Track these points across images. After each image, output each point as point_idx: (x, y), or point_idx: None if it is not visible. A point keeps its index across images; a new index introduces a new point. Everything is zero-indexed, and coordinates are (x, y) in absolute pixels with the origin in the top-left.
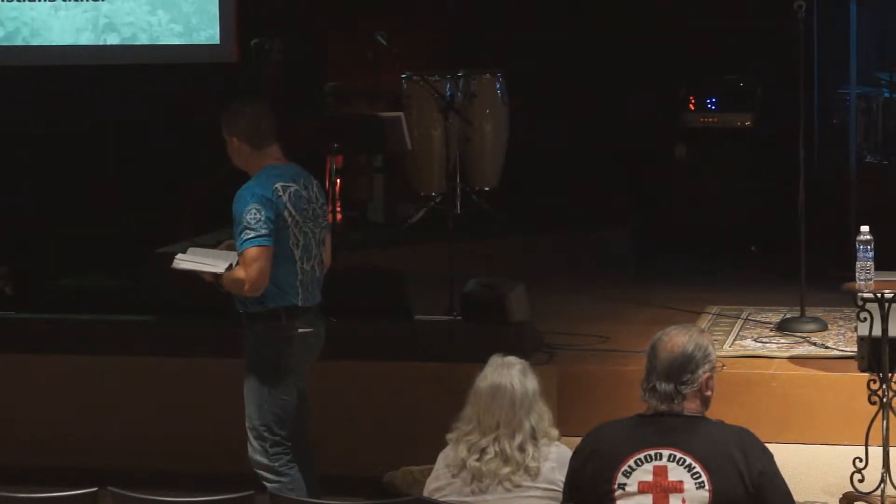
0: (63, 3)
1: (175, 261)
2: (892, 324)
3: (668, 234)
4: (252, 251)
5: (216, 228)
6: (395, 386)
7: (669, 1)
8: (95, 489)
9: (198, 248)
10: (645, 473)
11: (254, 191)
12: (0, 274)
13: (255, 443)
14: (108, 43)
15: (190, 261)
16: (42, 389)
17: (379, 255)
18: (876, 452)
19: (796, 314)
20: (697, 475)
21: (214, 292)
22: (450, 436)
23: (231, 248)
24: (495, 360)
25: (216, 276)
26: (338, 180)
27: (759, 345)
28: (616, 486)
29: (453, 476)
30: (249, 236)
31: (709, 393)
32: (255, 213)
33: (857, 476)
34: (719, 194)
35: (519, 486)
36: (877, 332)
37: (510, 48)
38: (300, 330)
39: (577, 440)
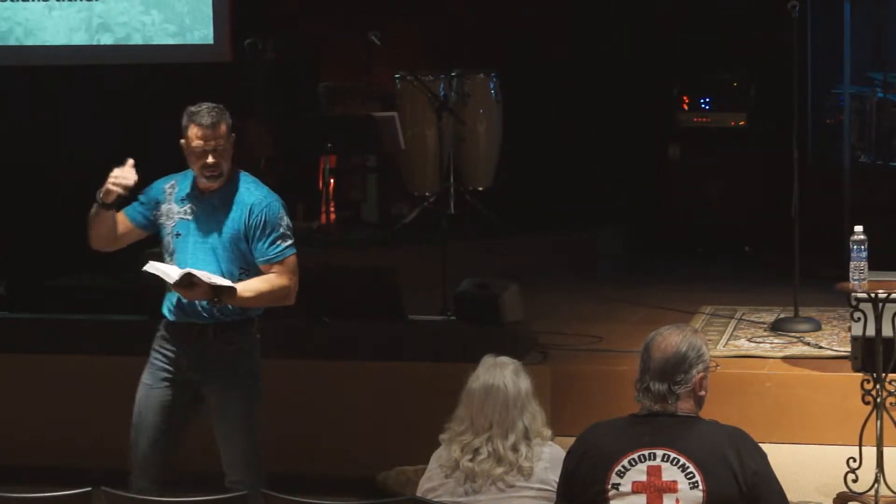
0: (57, 2)
1: (189, 274)
2: (885, 324)
3: (662, 234)
4: (293, 258)
5: None
6: (388, 386)
7: (663, 0)
8: (89, 489)
9: (157, 262)
10: (639, 473)
11: (275, 196)
12: None
13: (254, 461)
14: (102, 43)
15: (196, 272)
16: (38, 389)
17: (372, 254)
18: (870, 452)
19: (790, 314)
20: (691, 475)
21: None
22: (443, 436)
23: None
24: (487, 361)
25: (221, 290)
26: (331, 180)
27: (753, 345)
28: (610, 486)
29: (446, 476)
30: (289, 243)
31: (702, 393)
32: (286, 220)
33: (850, 476)
34: (713, 194)
35: (512, 486)
36: (870, 331)
37: (504, 48)
38: (258, 336)
39: (571, 440)
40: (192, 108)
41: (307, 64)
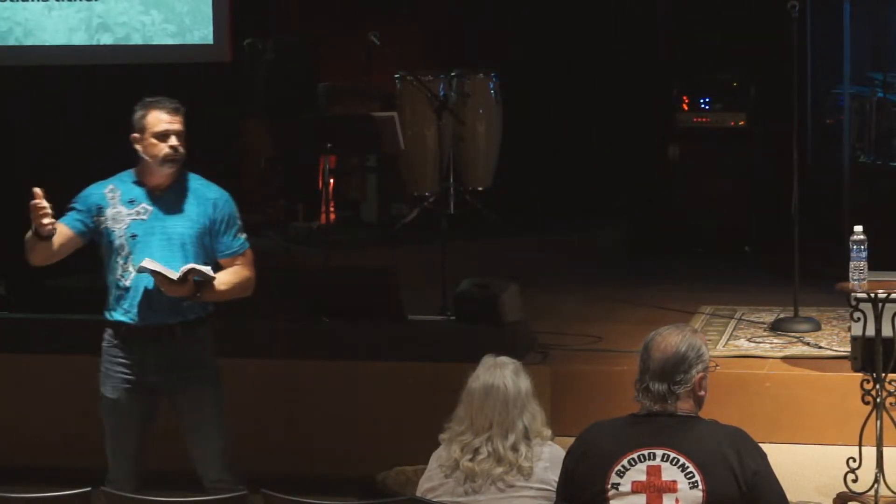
0: (56, 2)
1: (191, 270)
2: (885, 324)
3: (662, 235)
4: (251, 250)
5: None
6: (388, 386)
7: (663, 1)
8: (88, 489)
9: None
10: (638, 473)
11: (228, 193)
12: None
13: (230, 458)
14: (102, 43)
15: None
16: (38, 389)
17: (372, 254)
18: (869, 452)
19: (790, 314)
20: (691, 475)
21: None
22: (443, 436)
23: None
24: (487, 361)
25: (202, 285)
26: (331, 180)
27: (753, 345)
28: (609, 486)
29: (446, 476)
30: (246, 235)
31: (702, 393)
32: (239, 214)
33: (850, 476)
34: (713, 194)
35: (512, 486)
36: (870, 332)
37: (504, 48)
38: None
39: (571, 440)
40: (148, 100)
41: (307, 64)
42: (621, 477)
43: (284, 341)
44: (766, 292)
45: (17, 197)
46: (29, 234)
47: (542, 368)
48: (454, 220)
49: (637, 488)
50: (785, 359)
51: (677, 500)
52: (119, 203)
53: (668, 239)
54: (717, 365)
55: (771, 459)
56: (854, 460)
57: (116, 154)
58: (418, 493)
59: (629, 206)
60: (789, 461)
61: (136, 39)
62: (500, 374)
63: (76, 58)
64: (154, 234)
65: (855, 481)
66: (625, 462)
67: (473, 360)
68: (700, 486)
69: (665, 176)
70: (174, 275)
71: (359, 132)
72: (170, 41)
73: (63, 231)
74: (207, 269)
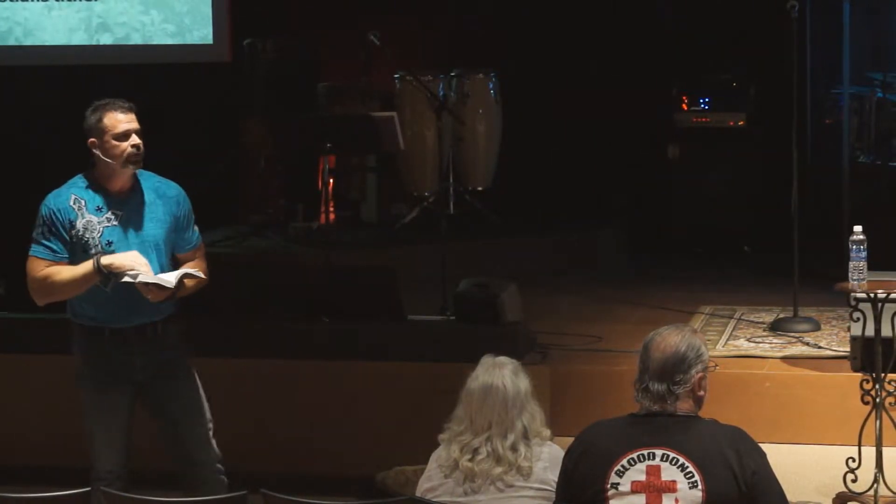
0: (56, 2)
1: (186, 274)
2: (884, 324)
3: (662, 234)
4: (203, 243)
5: (211, 227)
6: (388, 386)
7: (663, 1)
8: (88, 489)
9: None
10: (638, 473)
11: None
12: None
13: (214, 441)
14: (101, 43)
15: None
16: (38, 389)
17: (372, 254)
18: (869, 452)
19: (789, 314)
20: (690, 475)
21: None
22: (442, 436)
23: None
24: (486, 361)
25: (181, 284)
26: (331, 180)
27: (753, 345)
28: (609, 486)
29: (446, 476)
30: (197, 227)
31: (701, 393)
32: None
33: (850, 476)
34: (712, 194)
35: (511, 486)
36: (870, 332)
37: (504, 48)
38: None
39: (570, 440)
40: (99, 102)
41: (307, 64)
42: (621, 477)
43: (284, 341)
44: (765, 292)
45: (17, 198)
46: (87, 268)
47: (541, 368)
48: (454, 220)
49: (636, 488)
50: (785, 359)
51: (677, 500)
52: (87, 212)
53: (668, 239)
54: (716, 365)
55: (771, 459)
56: (853, 460)
57: None
58: (418, 493)
59: (629, 206)
60: (789, 461)
61: (136, 39)
62: (499, 373)
63: (76, 58)
64: (128, 239)
65: (854, 481)
66: (624, 462)
67: (473, 360)
68: (699, 486)
69: (665, 176)
70: (170, 283)
71: (358, 132)
72: (170, 41)
73: (61, 265)
74: (196, 271)
